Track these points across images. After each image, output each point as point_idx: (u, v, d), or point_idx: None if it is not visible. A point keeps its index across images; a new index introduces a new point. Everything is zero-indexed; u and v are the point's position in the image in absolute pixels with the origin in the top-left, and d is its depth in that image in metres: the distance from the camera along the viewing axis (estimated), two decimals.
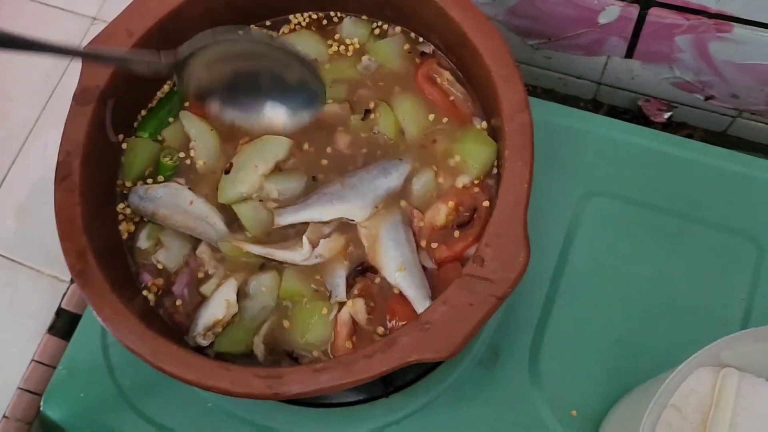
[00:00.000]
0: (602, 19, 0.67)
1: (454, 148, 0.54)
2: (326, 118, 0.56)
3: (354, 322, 0.51)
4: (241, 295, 0.52)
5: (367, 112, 0.56)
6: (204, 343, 0.50)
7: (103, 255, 0.50)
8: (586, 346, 0.58)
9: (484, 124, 0.55)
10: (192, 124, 0.56)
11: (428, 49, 0.58)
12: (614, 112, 0.80)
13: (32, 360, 0.63)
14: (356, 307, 0.51)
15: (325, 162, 0.55)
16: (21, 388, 0.63)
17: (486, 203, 0.52)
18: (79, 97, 0.54)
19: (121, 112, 0.56)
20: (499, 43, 0.52)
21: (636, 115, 0.79)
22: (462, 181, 0.53)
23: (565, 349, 0.58)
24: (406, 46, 0.59)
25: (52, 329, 0.65)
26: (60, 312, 0.65)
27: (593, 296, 0.60)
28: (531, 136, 0.48)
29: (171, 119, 0.58)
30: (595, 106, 0.81)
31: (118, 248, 0.54)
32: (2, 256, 0.68)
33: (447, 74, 0.57)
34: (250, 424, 0.59)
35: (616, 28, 0.68)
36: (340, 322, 0.51)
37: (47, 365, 0.63)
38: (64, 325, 0.65)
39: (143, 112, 0.58)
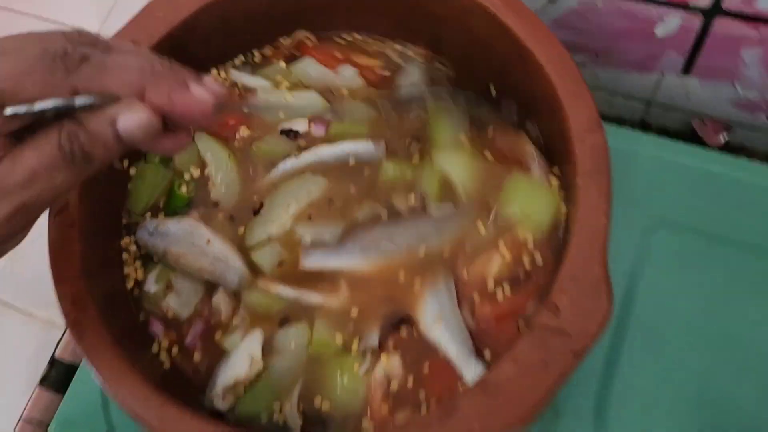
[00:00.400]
0: (660, 32, 0.60)
1: (510, 198, 0.47)
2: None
3: (388, 383, 0.44)
4: (267, 351, 0.44)
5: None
6: (223, 406, 0.43)
7: (105, 302, 0.43)
8: (662, 404, 0.50)
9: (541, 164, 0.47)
10: (207, 146, 0.49)
11: None
12: (664, 134, 0.73)
13: (20, 419, 0.56)
14: (391, 364, 0.44)
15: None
16: (24, 421, 0.55)
17: (542, 258, 0.45)
18: None
19: None
20: (560, 52, 0.45)
21: (689, 138, 0.72)
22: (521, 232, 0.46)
23: (637, 403, 0.51)
24: None
25: (45, 381, 0.57)
26: (54, 362, 0.58)
27: (666, 344, 0.52)
28: (607, 159, 0.41)
29: None
30: (642, 127, 0.74)
31: (121, 294, 0.46)
32: None
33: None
34: None
35: (675, 41, 0.61)
36: (374, 382, 0.44)
37: (38, 422, 0.56)
38: (59, 375, 0.57)
39: None
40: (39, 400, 0.56)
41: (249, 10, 0.52)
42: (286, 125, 0.51)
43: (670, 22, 0.59)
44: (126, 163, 0.50)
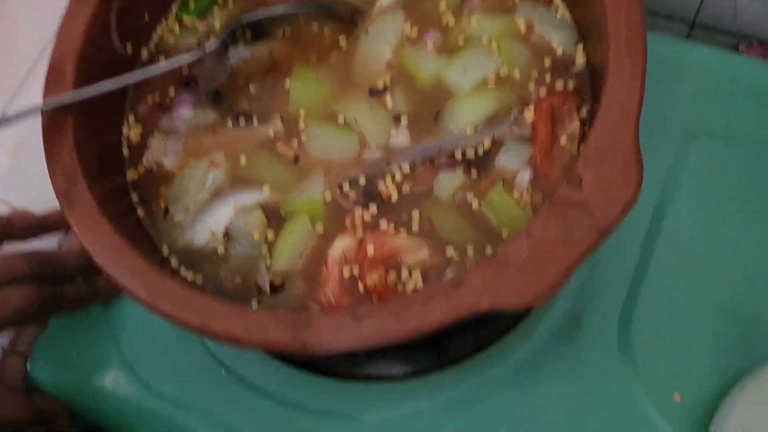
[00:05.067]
0: None
1: None
2: None
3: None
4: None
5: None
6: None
7: (96, 168, 0.40)
8: (693, 316, 0.46)
9: None
10: None
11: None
12: None
13: None
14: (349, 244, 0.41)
15: None
16: (5, 349, 0.54)
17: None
18: None
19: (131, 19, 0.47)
20: None
21: None
22: None
23: (665, 317, 0.47)
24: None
25: None
26: None
27: (701, 254, 0.48)
28: (642, 34, 0.37)
29: None
30: None
31: (117, 156, 0.45)
32: None
33: (576, 125, 0.42)
34: (270, 397, 0.48)
35: None
36: (332, 258, 0.41)
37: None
38: None
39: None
40: (21, 330, 0.54)
41: None
42: None
43: None
44: (129, 47, 0.48)
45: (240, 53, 0.47)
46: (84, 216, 0.38)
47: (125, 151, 0.46)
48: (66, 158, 0.39)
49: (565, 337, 0.48)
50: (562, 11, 0.45)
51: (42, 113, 0.41)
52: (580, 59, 0.44)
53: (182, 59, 0.44)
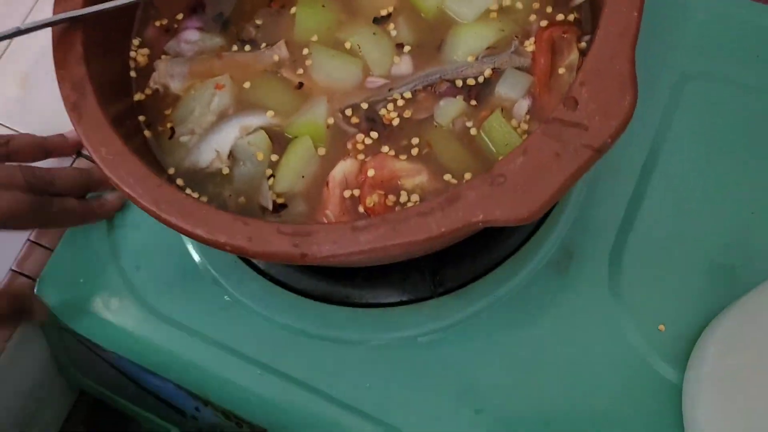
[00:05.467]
0: None
1: None
2: None
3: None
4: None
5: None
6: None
7: (104, 85, 0.41)
8: (680, 251, 0.48)
9: None
10: None
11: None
12: None
13: (28, 239, 0.55)
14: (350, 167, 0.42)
15: None
16: (14, 270, 0.55)
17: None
18: None
19: None
20: None
21: None
22: None
23: (654, 252, 0.48)
24: None
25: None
26: None
27: (691, 193, 0.49)
28: None
29: None
30: None
31: (125, 78, 0.45)
32: (2, 124, 0.59)
33: (575, 56, 0.43)
34: (272, 322, 0.50)
35: None
36: (333, 180, 0.42)
37: (45, 247, 0.55)
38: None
39: None
40: (30, 253, 0.56)
41: None
42: None
43: None
44: None
45: None
46: (92, 123, 0.39)
47: (132, 73, 0.47)
48: (75, 69, 0.40)
49: (558, 269, 0.49)
50: None
51: (52, 27, 0.42)
52: None
53: None
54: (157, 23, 0.48)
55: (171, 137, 0.45)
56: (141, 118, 0.46)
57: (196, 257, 0.52)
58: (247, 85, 0.45)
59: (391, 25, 0.45)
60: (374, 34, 0.45)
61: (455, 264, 0.50)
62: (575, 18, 0.44)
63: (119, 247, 0.53)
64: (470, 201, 0.35)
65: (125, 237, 0.53)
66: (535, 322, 0.48)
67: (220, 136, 0.44)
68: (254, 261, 0.51)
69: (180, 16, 0.48)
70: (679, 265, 0.48)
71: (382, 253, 0.35)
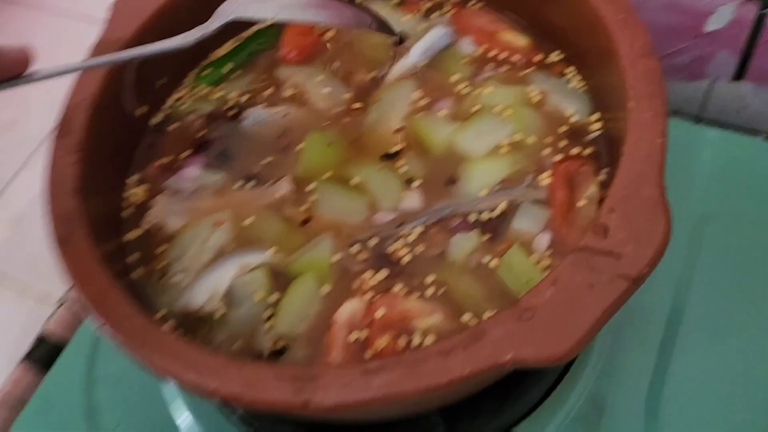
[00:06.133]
0: (710, 26, 0.57)
1: None
2: None
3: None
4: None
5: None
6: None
7: (95, 222, 0.39)
8: (728, 399, 0.43)
9: None
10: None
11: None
12: None
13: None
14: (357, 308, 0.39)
15: None
16: None
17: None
18: (98, 49, 0.45)
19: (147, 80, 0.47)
20: None
21: None
22: None
23: (695, 403, 0.43)
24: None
25: (30, 357, 0.52)
26: (41, 339, 0.53)
27: (726, 336, 0.45)
28: (662, 83, 0.37)
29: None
30: None
31: (115, 218, 0.43)
32: None
33: (594, 189, 0.41)
34: None
35: (727, 37, 0.58)
36: (338, 322, 0.38)
37: (18, 399, 0.50)
38: (46, 353, 0.52)
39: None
40: (22, 377, 0.51)
41: None
42: None
43: (722, 14, 0.56)
44: (145, 109, 0.48)
45: (255, 116, 0.47)
46: (79, 259, 0.36)
47: (126, 211, 0.44)
48: (66, 203, 0.38)
49: (587, 424, 0.44)
50: (576, 82, 0.46)
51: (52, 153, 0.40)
52: (595, 126, 0.43)
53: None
54: (159, 162, 0.46)
55: (162, 277, 0.42)
56: (134, 256, 0.43)
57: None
58: (248, 222, 0.43)
59: (400, 161, 0.44)
60: (381, 169, 0.43)
61: (470, 423, 0.44)
62: (591, 152, 0.43)
63: (98, 404, 0.48)
64: (496, 338, 0.31)
65: (104, 391, 0.48)
66: None
67: (216, 275, 0.41)
68: None
69: (185, 154, 0.46)
70: (731, 414, 0.43)
71: (398, 400, 0.30)
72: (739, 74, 0.60)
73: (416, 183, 0.43)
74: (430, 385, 0.30)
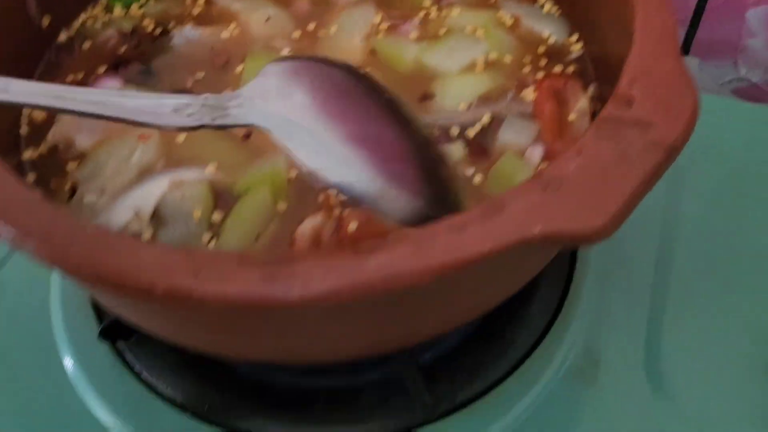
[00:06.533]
0: None
1: None
2: None
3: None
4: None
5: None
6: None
7: None
8: (731, 341, 0.39)
9: None
10: None
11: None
12: None
13: None
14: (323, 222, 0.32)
15: None
16: None
17: None
18: None
19: None
20: None
21: None
22: None
23: (699, 347, 0.39)
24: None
25: None
26: None
27: (721, 268, 0.42)
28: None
29: None
30: None
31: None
32: None
33: (584, 101, 0.37)
34: None
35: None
36: (301, 240, 0.32)
37: None
38: None
39: None
40: None
41: None
42: None
43: None
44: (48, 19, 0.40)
45: (185, 34, 0.40)
46: None
47: (24, 129, 0.36)
48: None
49: (582, 381, 0.38)
50: (549, 6, 0.42)
51: None
52: (576, 47, 0.40)
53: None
54: (71, 77, 0.38)
55: (70, 198, 0.33)
56: (30, 176, 0.34)
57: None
58: (180, 139, 0.35)
59: None
60: None
61: (451, 378, 0.38)
62: (575, 69, 0.39)
63: None
64: (520, 210, 0.25)
65: None
66: None
67: (141, 192, 0.33)
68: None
69: (100, 71, 0.39)
70: (731, 359, 0.38)
71: (401, 286, 0.23)
72: (687, 47, 0.59)
73: None
74: (445, 262, 0.23)
